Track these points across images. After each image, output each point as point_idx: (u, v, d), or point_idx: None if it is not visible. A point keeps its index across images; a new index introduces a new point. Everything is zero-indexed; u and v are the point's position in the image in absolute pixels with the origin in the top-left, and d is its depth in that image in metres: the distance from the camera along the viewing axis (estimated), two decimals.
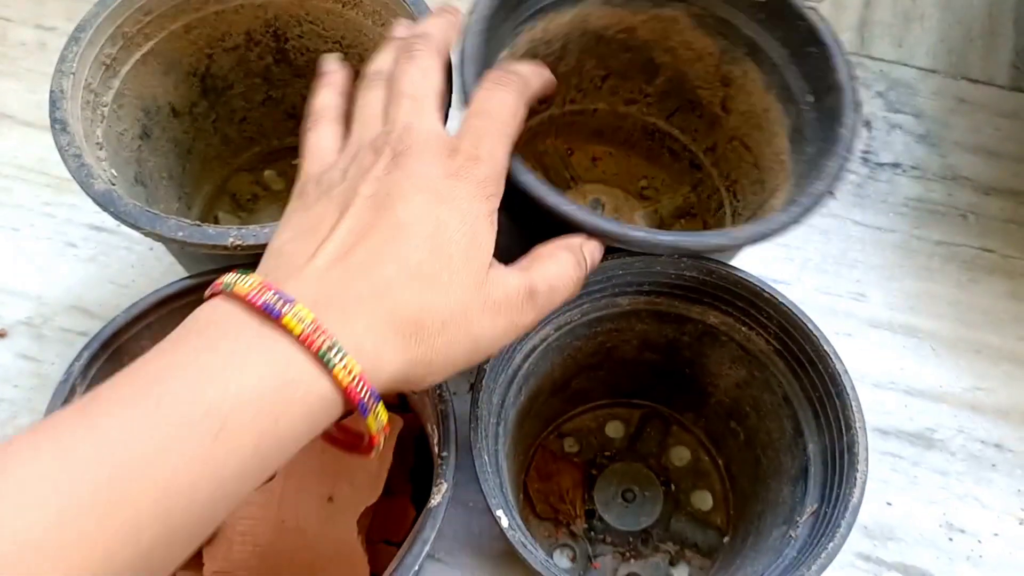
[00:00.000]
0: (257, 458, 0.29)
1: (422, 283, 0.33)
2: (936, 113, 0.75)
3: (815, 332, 0.46)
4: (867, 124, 0.74)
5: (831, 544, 0.41)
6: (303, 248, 0.34)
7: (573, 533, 0.57)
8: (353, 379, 0.31)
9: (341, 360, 0.30)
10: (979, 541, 0.58)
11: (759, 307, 0.47)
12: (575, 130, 0.68)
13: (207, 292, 0.33)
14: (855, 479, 0.42)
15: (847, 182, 0.72)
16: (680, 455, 0.60)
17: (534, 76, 0.43)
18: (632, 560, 0.56)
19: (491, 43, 0.51)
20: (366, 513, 0.48)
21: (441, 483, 0.41)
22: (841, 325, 0.65)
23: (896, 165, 0.72)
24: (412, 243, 0.33)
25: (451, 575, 0.56)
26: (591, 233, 0.43)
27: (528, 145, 0.67)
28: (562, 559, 0.57)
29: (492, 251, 0.36)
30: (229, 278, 0.32)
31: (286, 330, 0.30)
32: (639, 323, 0.51)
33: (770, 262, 0.67)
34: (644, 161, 0.69)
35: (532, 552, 0.41)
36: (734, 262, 0.48)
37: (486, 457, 0.42)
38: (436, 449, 0.44)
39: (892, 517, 0.58)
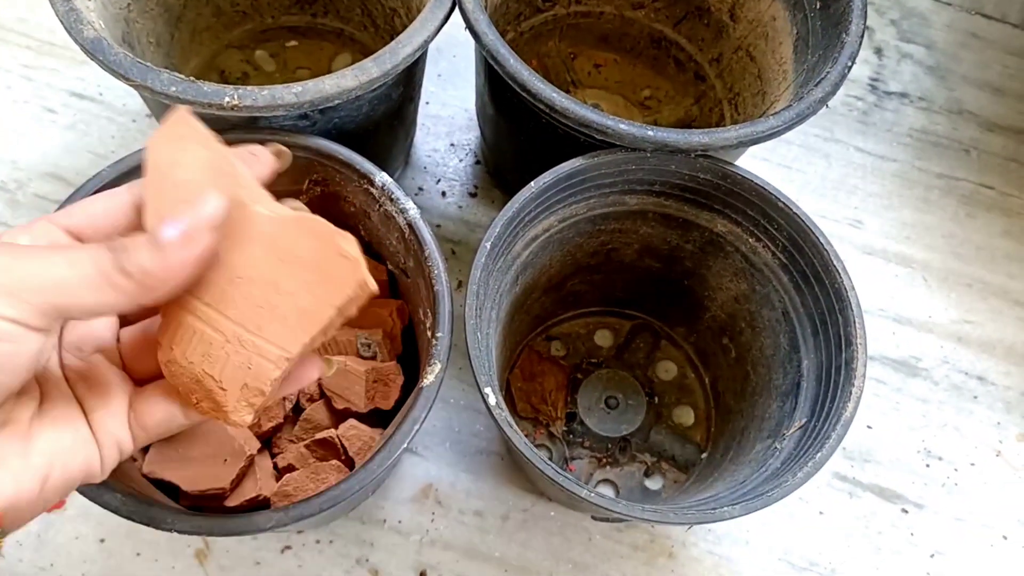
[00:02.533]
0: None
1: None
2: (947, 46, 0.74)
3: (826, 246, 0.45)
4: (878, 51, 0.73)
5: (819, 454, 0.40)
6: None
7: (552, 434, 0.56)
8: None
9: None
10: (955, 469, 0.58)
11: (771, 217, 0.46)
12: (580, 33, 0.66)
13: None
14: (850, 394, 0.42)
15: (853, 108, 0.70)
16: (667, 369, 0.59)
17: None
18: (608, 467, 0.56)
19: None
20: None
21: (435, 363, 0.40)
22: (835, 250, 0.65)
23: (903, 95, 0.71)
24: None
25: (427, 468, 0.56)
26: (578, 123, 0.43)
27: (530, 45, 0.65)
28: None
29: None
30: None
31: None
32: (644, 225, 0.50)
33: (771, 182, 0.66)
34: (649, 71, 0.67)
35: (516, 432, 0.40)
36: None
37: (479, 335, 0.41)
38: (429, 332, 0.42)
39: (871, 440, 0.58)
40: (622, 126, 0.43)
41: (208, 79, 0.64)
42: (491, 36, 0.45)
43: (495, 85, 0.51)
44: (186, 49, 0.62)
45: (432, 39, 0.46)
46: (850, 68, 0.46)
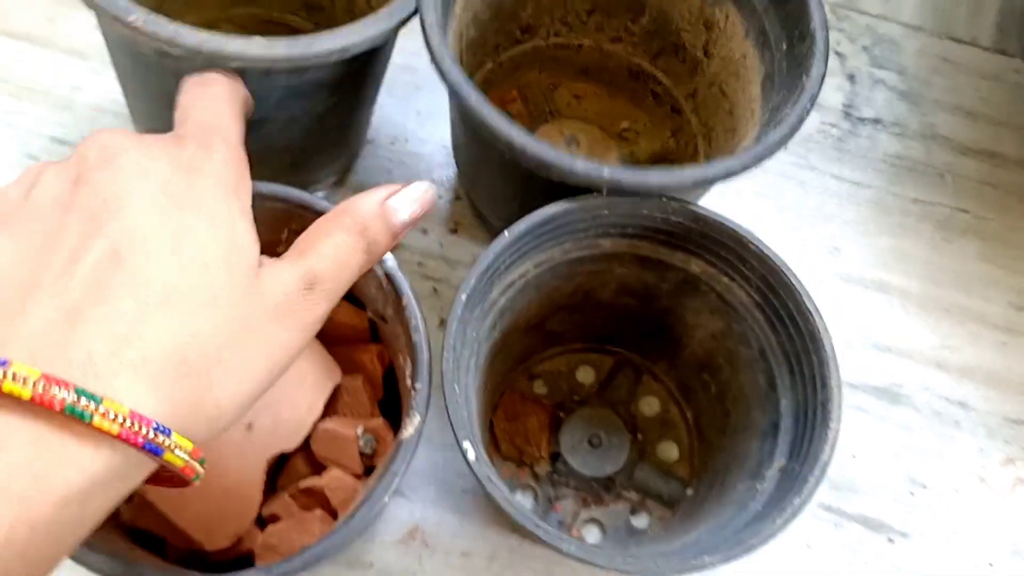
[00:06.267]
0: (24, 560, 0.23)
1: (177, 309, 0.26)
2: (919, 71, 0.74)
3: (798, 287, 0.45)
4: (851, 78, 0.73)
5: (798, 499, 0.41)
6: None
7: (536, 475, 0.56)
8: (124, 421, 0.24)
9: (97, 407, 0.24)
10: (939, 497, 0.58)
11: (744, 258, 0.47)
12: (560, 65, 0.67)
13: None
14: (827, 436, 0.42)
15: (828, 135, 0.71)
16: (649, 404, 0.59)
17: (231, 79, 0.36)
18: (593, 506, 0.56)
19: None
20: (275, 459, 0.47)
21: (414, 415, 0.41)
22: (814, 278, 0.64)
23: (877, 121, 0.72)
24: (151, 262, 0.27)
25: (412, 509, 0.56)
26: (532, 162, 0.43)
27: (511, 75, 0.66)
28: (524, 500, 0.56)
29: (257, 250, 0.30)
30: None
31: (11, 399, 0.24)
32: (620, 267, 0.50)
33: (746, 211, 0.66)
34: (628, 103, 0.67)
35: (497, 487, 0.40)
36: (710, 207, 0.48)
37: (457, 388, 0.41)
38: (409, 381, 0.43)
39: (856, 470, 0.59)
40: (577, 164, 0.43)
41: None
42: (455, 74, 0.45)
43: (464, 119, 0.52)
44: (183, 6, 0.62)
45: (359, 50, 0.45)
46: (808, 111, 0.46)
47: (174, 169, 0.29)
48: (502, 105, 0.67)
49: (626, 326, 0.57)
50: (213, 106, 0.33)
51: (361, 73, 0.52)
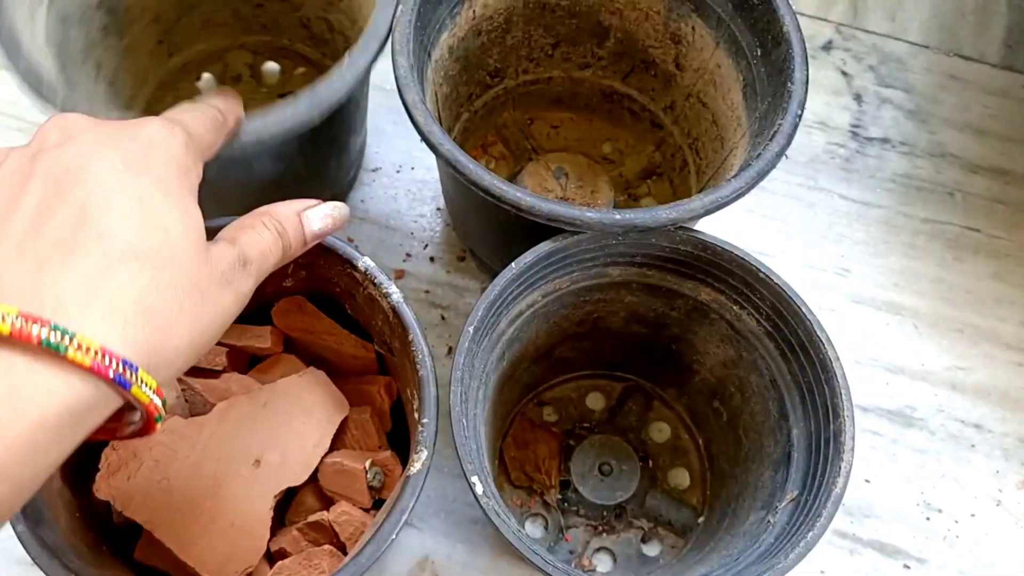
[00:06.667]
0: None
1: (141, 263, 0.29)
2: (926, 89, 0.74)
3: (809, 316, 0.45)
4: (857, 98, 0.73)
5: (811, 533, 0.40)
6: None
7: (547, 503, 0.56)
8: (96, 355, 0.26)
9: (71, 341, 0.26)
10: (956, 521, 0.58)
11: (753, 287, 0.46)
12: (533, 100, 0.66)
13: None
14: (840, 468, 0.42)
15: (835, 156, 0.70)
16: (660, 431, 0.59)
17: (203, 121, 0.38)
18: (604, 534, 0.55)
19: (425, 30, 0.50)
20: (283, 494, 0.47)
21: (421, 451, 0.40)
22: (824, 300, 0.64)
23: (885, 140, 0.71)
24: (116, 221, 0.29)
25: (423, 540, 0.56)
26: (544, 218, 0.44)
27: (487, 119, 0.66)
28: (534, 529, 0.56)
29: (203, 223, 0.33)
30: None
31: None
32: (629, 295, 0.50)
33: (755, 233, 0.66)
34: (606, 124, 0.67)
35: (504, 521, 0.40)
36: (713, 230, 0.47)
37: (465, 422, 0.41)
38: (416, 415, 0.42)
39: (870, 495, 0.58)
40: (589, 215, 0.43)
41: (208, 68, 0.66)
42: (448, 146, 0.45)
43: (465, 189, 0.52)
44: (193, 33, 0.64)
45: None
46: (800, 116, 0.46)
47: (131, 142, 0.32)
48: (483, 150, 0.67)
49: (636, 353, 0.56)
50: (195, 111, 0.36)
51: (300, 146, 0.52)
